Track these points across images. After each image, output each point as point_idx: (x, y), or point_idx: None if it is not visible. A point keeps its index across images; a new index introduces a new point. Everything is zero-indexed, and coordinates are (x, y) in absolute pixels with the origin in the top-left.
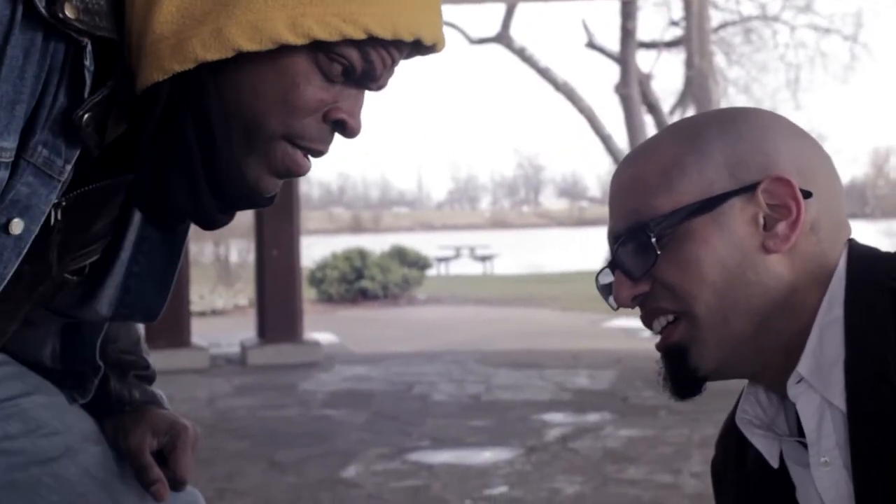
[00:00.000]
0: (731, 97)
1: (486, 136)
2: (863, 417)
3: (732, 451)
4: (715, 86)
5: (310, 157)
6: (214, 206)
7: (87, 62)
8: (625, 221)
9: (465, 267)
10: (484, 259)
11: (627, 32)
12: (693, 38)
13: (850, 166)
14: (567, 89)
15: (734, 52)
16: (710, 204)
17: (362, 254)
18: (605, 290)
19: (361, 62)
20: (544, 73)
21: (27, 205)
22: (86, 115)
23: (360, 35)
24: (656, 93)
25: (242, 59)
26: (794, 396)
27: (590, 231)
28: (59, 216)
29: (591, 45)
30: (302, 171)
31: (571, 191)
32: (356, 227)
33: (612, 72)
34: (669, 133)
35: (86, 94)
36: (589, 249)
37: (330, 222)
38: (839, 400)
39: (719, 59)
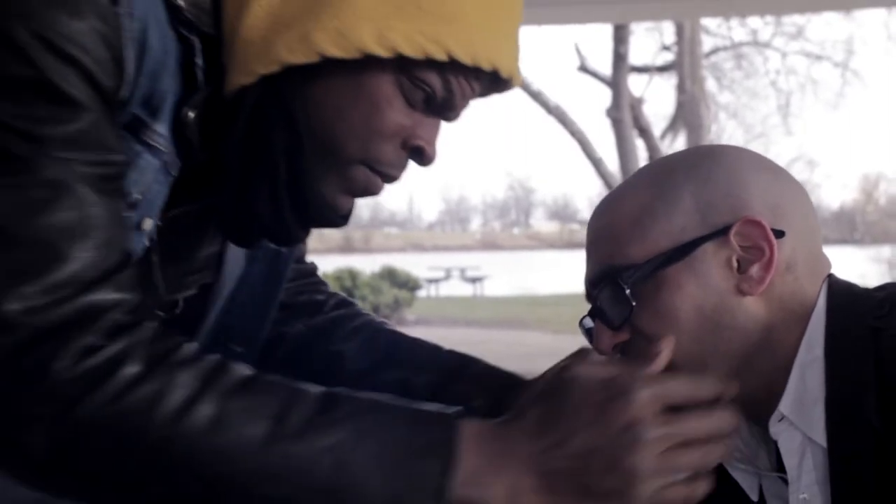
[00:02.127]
0: (722, 122)
1: (477, 158)
2: (843, 455)
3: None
4: (706, 111)
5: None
6: (294, 221)
7: (199, 59)
8: (600, 270)
9: (456, 288)
10: (474, 280)
11: (619, 57)
12: (685, 63)
13: (839, 192)
14: (559, 112)
15: (725, 78)
16: (683, 251)
17: (353, 274)
18: (590, 335)
19: (442, 90)
20: (536, 96)
21: (151, 202)
22: (191, 113)
23: (441, 56)
24: (648, 117)
25: (327, 72)
26: (775, 434)
27: (580, 254)
28: (155, 237)
29: (584, 68)
30: (377, 191)
31: (562, 213)
32: (347, 247)
33: (604, 96)
34: (641, 178)
35: (195, 93)
36: (579, 272)
37: (320, 242)
38: (820, 437)
39: (710, 85)
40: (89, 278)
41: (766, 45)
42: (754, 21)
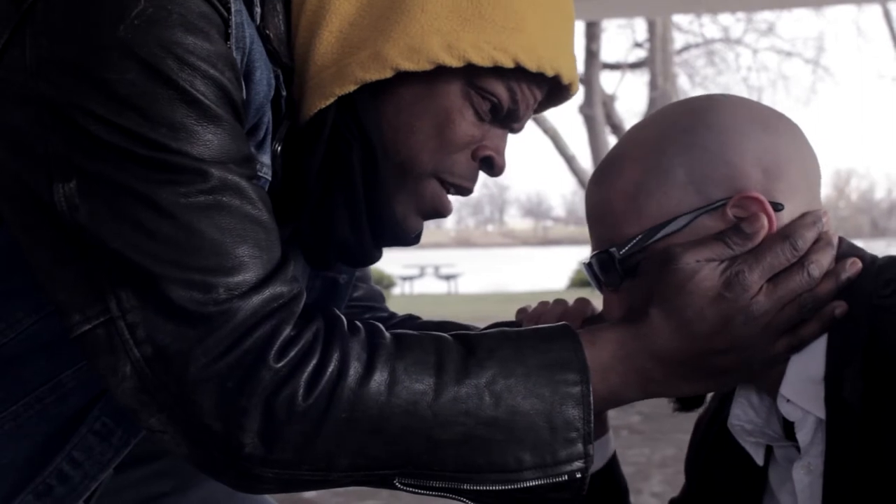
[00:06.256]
0: None
1: None
2: (837, 433)
3: (715, 404)
4: None
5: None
6: (371, 241)
7: (283, 91)
8: (599, 250)
9: (430, 286)
10: (448, 278)
11: (591, 54)
12: (656, 60)
13: None
14: None
15: (697, 75)
16: (679, 224)
17: None
18: (594, 278)
19: (508, 100)
20: None
21: None
22: (279, 146)
23: (509, 63)
24: (620, 114)
25: (399, 88)
26: (788, 414)
27: (554, 250)
28: None
29: None
30: (447, 211)
31: (536, 210)
32: None
33: (577, 93)
34: (630, 148)
35: (280, 124)
36: (553, 268)
37: None
38: (822, 413)
39: (682, 81)
40: (264, 274)
41: (738, 41)
42: (726, 18)
